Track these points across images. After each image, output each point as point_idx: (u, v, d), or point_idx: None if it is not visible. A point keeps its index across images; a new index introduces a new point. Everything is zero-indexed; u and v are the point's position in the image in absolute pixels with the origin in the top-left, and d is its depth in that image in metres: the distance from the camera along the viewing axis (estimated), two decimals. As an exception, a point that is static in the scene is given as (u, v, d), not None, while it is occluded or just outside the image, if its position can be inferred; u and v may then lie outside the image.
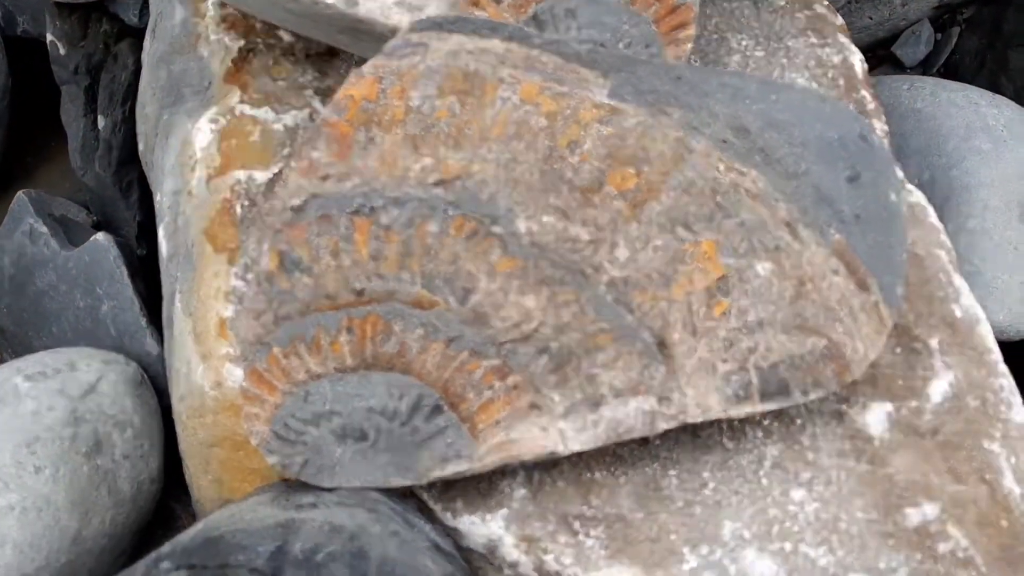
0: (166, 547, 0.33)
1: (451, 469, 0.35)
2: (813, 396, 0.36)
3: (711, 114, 0.38)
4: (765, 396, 0.36)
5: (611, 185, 0.37)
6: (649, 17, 0.45)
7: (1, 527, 0.38)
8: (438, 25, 0.39)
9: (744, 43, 0.56)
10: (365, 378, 0.36)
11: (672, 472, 0.39)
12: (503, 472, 0.39)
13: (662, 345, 0.36)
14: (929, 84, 0.68)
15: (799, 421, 0.40)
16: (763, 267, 0.37)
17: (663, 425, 0.36)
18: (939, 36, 0.85)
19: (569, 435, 0.35)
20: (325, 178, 0.37)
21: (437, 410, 0.35)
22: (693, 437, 0.40)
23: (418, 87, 0.38)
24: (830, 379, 0.36)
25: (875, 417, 0.39)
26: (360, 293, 0.36)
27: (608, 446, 0.39)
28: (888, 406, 0.40)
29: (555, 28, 0.43)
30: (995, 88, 0.75)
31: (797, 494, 0.38)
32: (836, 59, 0.55)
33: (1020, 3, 0.78)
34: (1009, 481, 0.37)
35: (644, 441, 0.40)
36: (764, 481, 0.38)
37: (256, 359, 0.36)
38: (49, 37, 0.62)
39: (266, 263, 0.36)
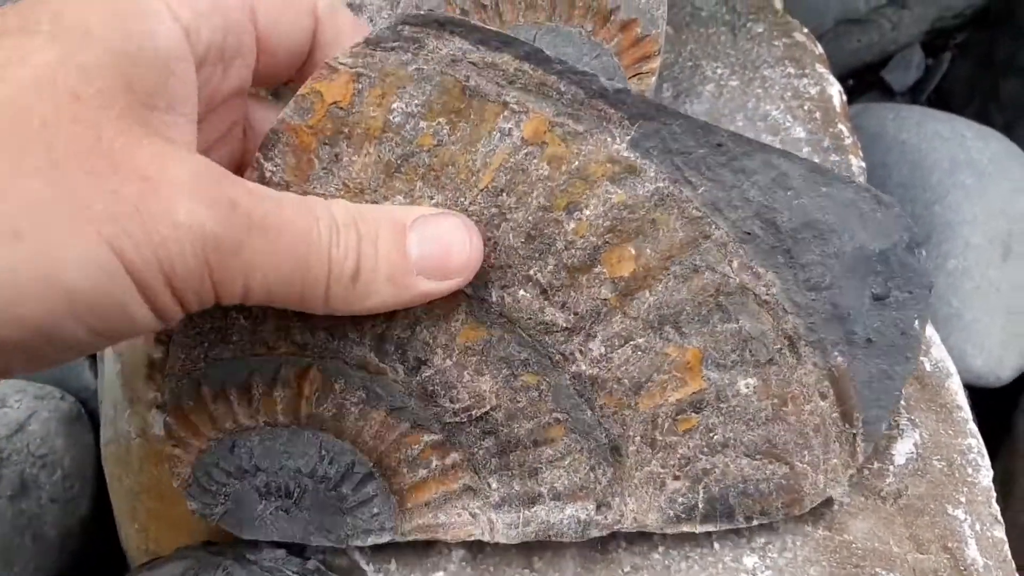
0: None
1: (372, 541, 0.33)
2: (756, 523, 0.34)
3: (742, 198, 0.33)
4: (706, 519, 0.34)
5: (604, 266, 0.32)
6: (612, 49, 0.43)
7: (-89, 578, 0.37)
8: (439, 24, 0.31)
9: (719, 71, 0.54)
10: (296, 435, 0.33)
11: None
12: (441, 530, 0.37)
13: (615, 450, 0.33)
14: (916, 114, 0.66)
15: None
16: (746, 383, 0.33)
17: (594, 533, 0.33)
18: (930, 61, 0.83)
19: (499, 528, 0.33)
20: None
21: (368, 478, 0.33)
22: (645, 494, 0.38)
23: (403, 96, 0.31)
24: (778, 510, 0.34)
25: (835, 478, 0.37)
26: (303, 347, 0.32)
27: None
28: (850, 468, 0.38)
29: (510, 60, 0.41)
30: (985, 117, 0.73)
31: (750, 560, 0.36)
32: (813, 91, 0.53)
33: (1014, 29, 0.76)
34: (972, 551, 0.35)
35: (593, 497, 0.38)
36: (716, 546, 0.36)
37: (183, 397, 0.33)
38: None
39: None
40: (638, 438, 0.33)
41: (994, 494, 0.38)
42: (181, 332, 0.33)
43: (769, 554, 0.36)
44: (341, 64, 0.31)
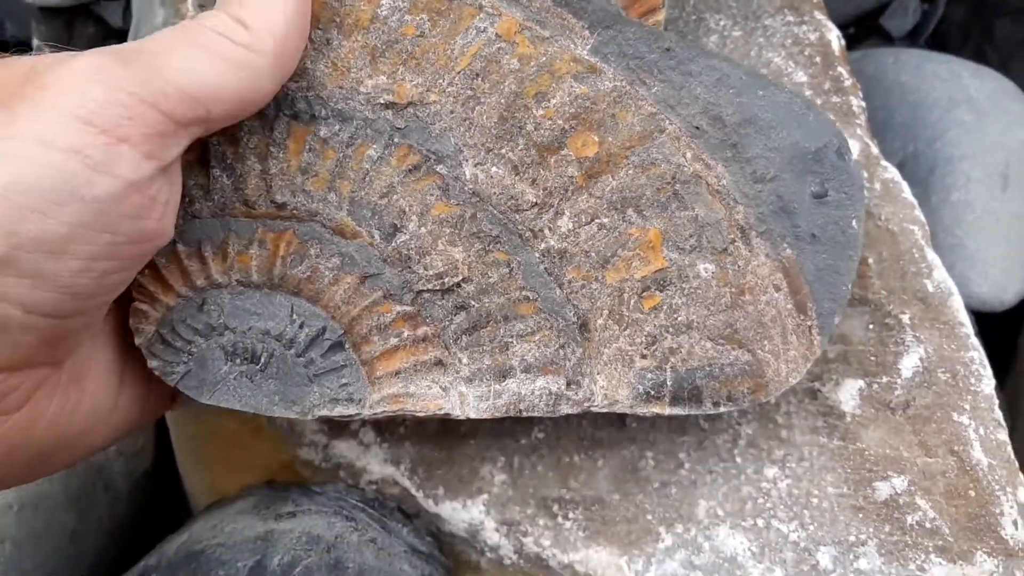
0: (152, 558, 0.34)
1: (339, 411, 0.33)
2: (724, 409, 0.35)
3: (691, 96, 0.36)
4: (676, 400, 0.34)
5: (570, 148, 0.35)
6: (619, 3, 0.45)
7: (0, 525, 0.40)
8: None
9: (722, 23, 0.56)
10: (268, 298, 0.33)
11: (649, 454, 0.40)
12: (483, 458, 0.40)
13: (584, 327, 0.34)
14: (914, 57, 0.68)
15: (773, 400, 0.40)
16: (706, 268, 0.35)
17: (566, 409, 0.34)
18: (926, 7, 0.84)
19: (470, 401, 0.34)
20: None
21: (338, 346, 0.33)
22: (670, 419, 0.41)
23: None
24: (745, 395, 0.35)
25: (847, 393, 0.40)
26: (281, 207, 0.33)
27: (586, 430, 0.40)
28: (860, 382, 0.40)
29: (524, 19, 0.44)
30: (981, 58, 0.75)
31: (770, 471, 0.39)
32: (813, 37, 0.55)
33: (1007, -30, 0.78)
34: (977, 452, 0.38)
35: (622, 424, 0.41)
36: (738, 460, 0.39)
37: (158, 255, 0.33)
38: (35, 41, 0.63)
39: (188, 153, 0.33)
40: (606, 312, 0.34)
41: (996, 401, 0.40)
42: None
43: (788, 464, 0.39)
44: None
